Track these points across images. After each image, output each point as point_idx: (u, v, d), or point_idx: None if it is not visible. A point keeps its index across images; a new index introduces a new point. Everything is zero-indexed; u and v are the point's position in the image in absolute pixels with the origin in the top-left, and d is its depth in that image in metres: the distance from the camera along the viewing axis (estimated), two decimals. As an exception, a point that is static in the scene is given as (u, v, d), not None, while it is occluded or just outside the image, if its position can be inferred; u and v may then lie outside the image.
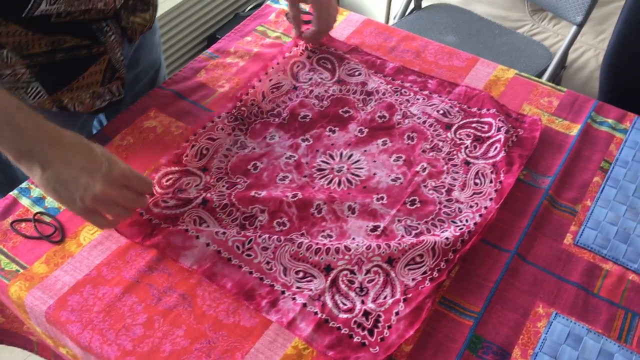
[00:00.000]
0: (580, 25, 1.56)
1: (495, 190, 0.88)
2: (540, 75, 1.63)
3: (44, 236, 0.83)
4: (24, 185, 0.90)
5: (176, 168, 0.90)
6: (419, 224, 0.85)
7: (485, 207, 0.86)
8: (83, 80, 0.93)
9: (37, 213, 0.86)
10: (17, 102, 0.71)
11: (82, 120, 1.00)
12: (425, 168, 0.92)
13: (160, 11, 1.92)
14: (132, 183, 0.76)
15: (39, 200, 0.88)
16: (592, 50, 1.87)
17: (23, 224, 0.85)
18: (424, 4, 1.95)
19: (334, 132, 0.98)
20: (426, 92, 1.05)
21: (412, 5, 1.93)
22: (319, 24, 1.08)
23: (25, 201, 0.88)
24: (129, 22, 0.98)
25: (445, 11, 1.88)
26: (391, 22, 2.13)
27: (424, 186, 0.90)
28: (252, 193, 0.87)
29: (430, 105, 1.02)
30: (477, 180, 0.90)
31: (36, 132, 0.71)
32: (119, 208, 0.77)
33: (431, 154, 0.94)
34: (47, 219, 0.86)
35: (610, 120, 1.00)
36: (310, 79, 1.06)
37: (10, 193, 0.89)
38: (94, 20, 0.89)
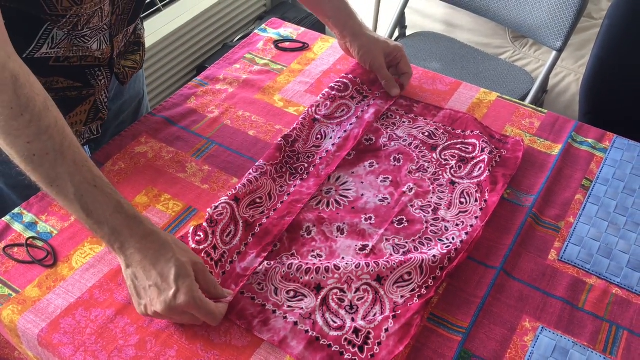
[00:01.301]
0: (560, 51, 1.60)
1: (481, 209, 0.91)
2: (522, 100, 1.67)
3: (36, 260, 0.84)
4: (16, 210, 0.91)
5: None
6: (406, 242, 0.87)
7: (471, 226, 0.88)
8: (69, 120, 0.95)
9: (29, 238, 0.87)
10: (117, 202, 0.73)
11: None
12: (411, 188, 0.94)
13: (151, 41, 1.96)
14: (195, 313, 0.73)
15: (31, 225, 0.89)
16: (572, 75, 1.92)
17: (15, 249, 0.86)
18: (408, 32, 2.00)
19: (322, 155, 1.00)
20: (412, 116, 1.08)
21: (397, 34, 1.98)
22: (407, 68, 1.12)
23: (17, 226, 0.89)
24: (120, 67, 1.01)
25: (429, 39, 1.93)
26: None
27: (411, 206, 0.92)
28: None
29: (415, 128, 1.05)
30: (463, 200, 0.93)
31: (129, 235, 0.73)
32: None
33: (417, 174, 0.97)
34: (40, 244, 0.86)
35: (590, 140, 1.03)
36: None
37: (3, 219, 0.90)
38: (90, 65, 0.92)
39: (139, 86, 1.17)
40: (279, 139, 0.99)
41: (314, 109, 1.06)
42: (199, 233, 0.84)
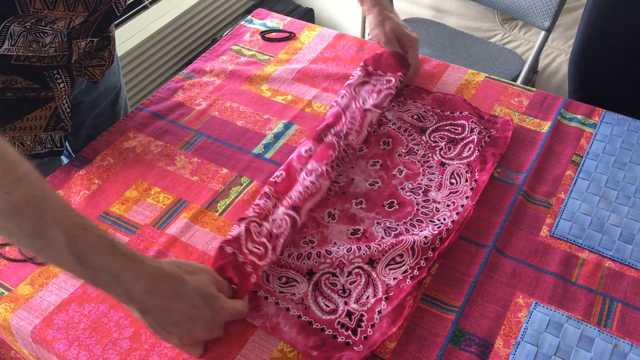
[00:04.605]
0: (548, 30, 1.60)
1: (471, 189, 0.90)
2: (513, 81, 1.66)
3: (28, 258, 0.84)
4: (6, 210, 0.91)
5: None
6: (398, 225, 0.87)
7: (462, 206, 0.88)
8: (27, 122, 0.95)
9: (20, 236, 0.87)
10: (110, 244, 0.66)
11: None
12: (401, 171, 0.94)
13: (141, 37, 1.95)
14: (230, 319, 0.74)
15: (22, 224, 0.89)
16: (563, 55, 1.92)
17: (7, 248, 0.86)
18: (397, 19, 1.99)
19: (311, 142, 1.00)
20: (401, 99, 1.07)
21: (385, 21, 1.97)
22: (412, 61, 1.11)
23: (8, 225, 0.89)
24: (82, 69, 1.00)
25: (418, 25, 1.92)
26: (366, 38, 2.16)
27: (401, 189, 0.92)
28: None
29: (405, 111, 1.04)
30: (453, 180, 0.92)
31: (132, 279, 0.66)
32: None
33: (407, 157, 0.97)
34: (31, 242, 0.86)
35: (579, 116, 1.03)
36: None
37: (-7, 218, 0.90)
38: (48, 66, 0.92)
39: (115, 78, 1.16)
40: (330, 139, 0.94)
41: (360, 102, 1.02)
42: (259, 247, 0.80)
